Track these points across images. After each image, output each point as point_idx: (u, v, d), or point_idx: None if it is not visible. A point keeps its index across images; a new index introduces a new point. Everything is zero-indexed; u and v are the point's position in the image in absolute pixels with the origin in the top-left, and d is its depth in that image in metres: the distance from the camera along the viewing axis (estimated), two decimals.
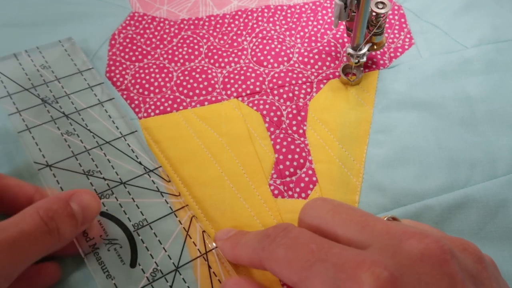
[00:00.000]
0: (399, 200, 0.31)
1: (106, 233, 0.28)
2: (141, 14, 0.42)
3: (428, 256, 0.19)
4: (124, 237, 0.28)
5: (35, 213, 0.24)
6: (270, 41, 0.39)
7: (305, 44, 0.39)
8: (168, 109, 0.36)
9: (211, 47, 0.39)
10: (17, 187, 0.28)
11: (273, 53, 0.39)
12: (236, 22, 0.41)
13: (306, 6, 0.42)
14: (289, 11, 0.42)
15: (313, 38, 0.40)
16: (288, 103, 0.36)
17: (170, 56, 0.39)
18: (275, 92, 0.36)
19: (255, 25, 0.41)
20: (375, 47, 0.36)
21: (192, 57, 0.39)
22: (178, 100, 0.36)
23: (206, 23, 0.41)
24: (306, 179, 0.32)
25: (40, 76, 0.35)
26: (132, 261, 0.28)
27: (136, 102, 0.36)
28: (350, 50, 0.35)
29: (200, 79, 0.37)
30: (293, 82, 0.37)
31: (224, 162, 0.33)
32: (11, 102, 0.34)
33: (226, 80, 0.37)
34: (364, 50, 0.35)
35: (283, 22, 0.41)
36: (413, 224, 0.25)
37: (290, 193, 0.32)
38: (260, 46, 0.39)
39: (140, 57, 0.39)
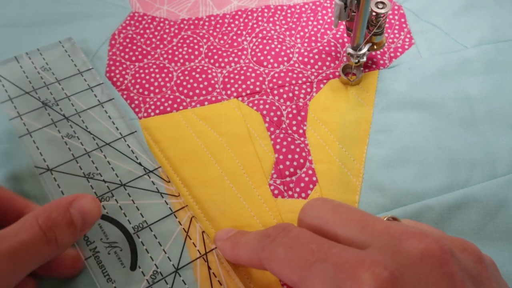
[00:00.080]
0: (399, 200, 0.31)
1: (107, 236, 0.28)
2: (141, 14, 0.42)
3: (428, 256, 0.19)
4: (124, 240, 0.28)
5: (35, 222, 0.24)
6: (270, 41, 0.39)
7: (305, 44, 0.39)
8: (168, 109, 0.36)
9: (211, 47, 0.39)
10: (8, 201, 0.28)
11: (273, 53, 0.39)
12: (236, 22, 0.41)
13: (306, 6, 0.42)
14: (289, 11, 0.42)
15: (313, 38, 0.40)
16: (288, 103, 0.36)
17: (170, 56, 0.39)
18: (275, 92, 0.36)
19: (255, 25, 0.41)
20: (375, 47, 0.36)
21: (192, 57, 0.39)
22: (178, 100, 0.36)
23: (206, 23, 0.41)
24: (306, 179, 0.32)
25: (40, 78, 0.35)
26: (132, 264, 0.28)
27: (136, 102, 0.36)
28: (350, 50, 0.35)
29: (200, 79, 0.37)
30: (293, 82, 0.37)
31: (224, 162, 0.33)
32: (12, 106, 0.34)
33: (226, 80, 0.37)
34: (364, 50, 0.35)
35: (283, 22, 0.41)
36: (413, 224, 0.25)
37: (290, 193, 0.32)
38: (260, 46, 0.39)
39: (140, 57, 0.39)
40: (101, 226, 0.29)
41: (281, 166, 0.33)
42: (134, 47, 0.39)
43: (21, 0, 0.42)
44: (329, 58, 0.38)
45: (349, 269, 0.19)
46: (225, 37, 0.40)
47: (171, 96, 0.36)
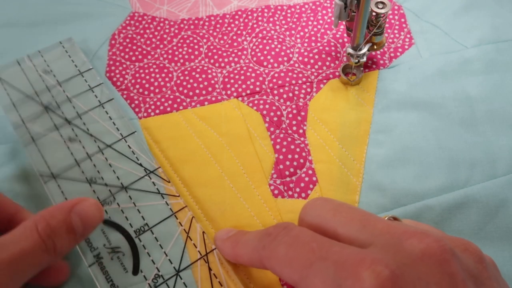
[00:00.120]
0: (399, 200, 0.31)
1: (110, 242, 0.29)
2: (141, 14, 0.42)
3: (429, 256, 0.19)
4: (126, 244, 0.29)
5: (34, 230, 0.23)
6: (270, 41, 0.39)
7: (305, 44, 0.39)
8: (168, 109, 0.36)
9: (211, 47, 0.39)
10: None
11: (273, 53, 0.39)
12: (236, 22, 0.41)
13: (306, 6, 0.42)
14: (289, 11, 0.42)
15: (313, 38, 0.40)
16: (288, 103, 0.36)
17: (170, 56, 0.39)
18: (275, 92, 0.36)
19: (255, 25, 0.41)
20: (375, 47, 0.36)
21: (192, 57, 0.39)
22: (178, 100, 0.36)
23: (206, 23, 0.41)
24: (306, 179, 0.32)
25: (42, 81, 0.36)
26: (134, 269, 0.28)
27: (136, 102, 0.36)
28: (350, 50, 0.35)
29: (200, 79, 0.37)
30: (293, 82, 0.37)
31: (224, 162, 0.33)
32: (15, 111, 0.34)
33: (226, 80, 0.37)
34: (364, 50, 0.35)
35: (283, 22, 0.41)
36: (414, 224, 0.25)
37: (290, 193, 0.32)
38: (260, 46, 0.39)
39: (140, 57, 0.39)
40: (104, 231, 0.29)
41: (281, 166, 0.33)
42: (134, 47, 0.39)
43: (21, 0, 0.42)
44: (329, 58, 0.38)
45: (350, 267, 0.19)
46: (225, 37, 0.40)
47: (171, 96, 0.36)
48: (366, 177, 0.32)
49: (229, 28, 0.41)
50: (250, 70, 0.38)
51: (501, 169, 0.31)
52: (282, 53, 0.39)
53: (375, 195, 0.31)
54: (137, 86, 0.37)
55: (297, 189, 0.32)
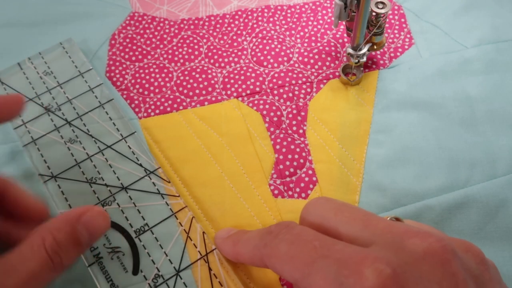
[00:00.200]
0: (399, 200, 0.31)
1: (109, 242, 0.29)
2: (141, 14, 0.42)
3: (431, 255, 0.19)
4: (126, 244, 0.29)
5: (42, 246, 0.23)
6: (270, 41, 0.39)
7: (305, 44, 0.39)
8: (168, 109, 0.36)
9: (211, 47, 0.39)
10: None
11: (273, 53, 0.39)
12: (236, 22, 0.41)
13: (306, 6, 0.42)
14: (289, 11, 0.42)
15: (313, 38, 0.40)
16: (288, 103, 0.36)
17: (170, 56, 0.39)
18: (275, 92, 0.36)
19: (255, 25, 0.41)
20: (375, 47, 0.36)
21: (192, 57, 0.39)
22: (178, 100, 0.36)
23: (206, 23, 0.41)
24: (306, 179, 0.32)
25: (43, 83, 0.36)
26: (134, 269, 0.28)
27: (136, 102, 0.36)
28: (350, 50, 0.35)
29: (200, 79, 0.37)
30: (293, 82, 0.37)
31: (224, 162, 0.33)
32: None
33: (226, 80, 0.37)
34: (364, 50, 0.35)
35: (283, 22, 0.41)
36: (416, 225, 0.24)
37: (290, 193, 0.32)
38: (260, 46, 0.39)
39: (140, 57, 0.39)
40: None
41: (281, 166, 0.33)
42: (134, 47, 0.39)
43: (21, 0, 0.42)
44: (329, 58, 0.38)
45: (352, 265, 0.19)
46: (225, 37, 0.40)
47: (171, 96, 0.36)
48: (366, 177, 0.32)
49: (229, 28, 0.41)
50: (250, 70, 0.38)
51: (501, 169, 0.31)
52: (282, 53, 0.39)
53: (375, 195, 0.31)
54: (137, 86, 0.37)
55: (297, 189, 0.32)
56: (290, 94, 0.36)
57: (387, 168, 0.32)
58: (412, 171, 0.32)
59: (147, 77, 0.38)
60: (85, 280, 0.28)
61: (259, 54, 0.39)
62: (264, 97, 0.36)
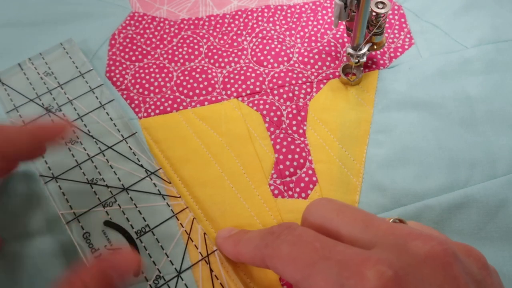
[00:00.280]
0: (399, 200, 0.31)
1: (111, 243, 0.29)
2: (141, 14, 0.42)
3: (432, 258, 0.19)
4: (127, 245, 0.29)
5: None
6: (270, 41, 0.39)
7: (305, 44, 0.39)
8: (168, 109, 0.36)
9: (211, 47, 0.39)
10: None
11: (273, 53, 0.39)
12: (236, 22, 0.41)
13: (306, 6, 0.42)
14: (289, 11, 0.42)
15: (313, 38, 0.40)
16: (288, 103, 0.36)
17: (170, 56, 0.39)
18: (275, 92, 0.36)
19: (255, 25, 0.41)
20: (375, 47, 0.36)
21: (192, 57, 0.39)
22: (178, 100, 0.36)
23: (206, 23, 0.41)
24: (306, 179, 0.32)
25: (43, 84, 0.36)
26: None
27: (136, 102, 0.36)
28: (350, 50, 0.35)
29: (200, 79, 0.37)
30: (293, 82, 0.37)
31: (224, 162, 0.33)
32: (18, 115, 0.34)
33: (226, 80, 0.37)
34: (364, 50, 0.35)
35: (283, 22, 0.41)
36: (419, 227, 0.24)
37: (290, 193, 0.32)
38: (260, 46, 0.39)
39: (140, 57, 0.39)
40: (105, 232, 0.29)
41: (281, 166, 0.33)
42: (134, 47, 0.39)
43: (21, 0, 0.42)
44: (329, 58, 0.38)
45: (353, 267, 0.19)
46: (225, 37, 0.40)
47: (171, 96, 0.36)
48: (366, 177, 0.32)
49: (229, 28, 0.41)
50: (250, 70, 0.38)
51: (501, 169, 0.31)
52: (282, 53, 0.39)
53: (375, 195, 0.31)
54: (137, 86, 0.37)
55: (297, 189, 0.32)
56: (290, 94, 0.36)
57: (387, 168, 0.32)
58: (412, 171, 0.32)
59: (147, 77, 0.38)
60: None
61: (259, 54, 0.39)
62: (264, 97, 0.36)
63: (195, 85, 0.37)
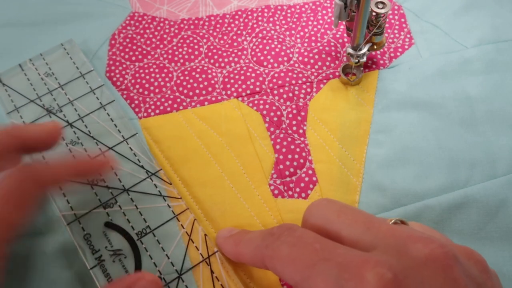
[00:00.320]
0: (399, 200, 0.31)
1: (111, 244, 0.29)
2: (141, 14, 0.42)
3: (433, 261, 0.19)
4: (128, 247, 0.29)
5: None
6: (270, 41, 0.39)
7: (305, 44, 0.39)
8: (168, 109, 0.36)
9: (211, 47, 0.39)
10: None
11: (273, 53, 0.39)
12: (236, 22, 0.41)
13: (306, 6, 0.42)
14: (289, 11, 0.42)
15: (313, 38, 0.40)
16: (288, 103, 0.36)
17: (170, 56, 0.39)
18: (275, 92, 0.36)
19: (255, 25, 0.41)
20: (375, 47, 0.36)
21: (192, 57, 0.39)
22: (178, 100, 0.36)
23: (206, 23, 0.41)
24: (306, 179, 0.32)
25: (44, 84, 0.36)
26: (136, 271, 0.28)
27: (136, 102, 0.36)
28: (350, 50, 0.35)
29: (200, 79, 0.37)
30: (293, 82, 0.37)
31: (224, 162, 0.33)
32: (19, 116, 0.34)
33: (226, 80, 0.37)
34: (364, 50, 0.35)
35: (283, 22, 0.41)
36: (421, 229, 0.24)
37: (290, 193, 0.32)
38: (260, 46, 0.39)
39: (140, 57, 0.39)
40: (106, 234, 0.29)
41: (281, 166, 0.33)
42: (134, 47, 0.39)
43: (21, 0, 0.42)
44: (329, 58, 0.38)
45: (353, 268, 0.19)
46: (225, 37, 0.40)
47: (171, 96, 0.36)
48: (366, 177, 0.32)
49: (229, 28, 0.41)
50: (250, 70, 0.38)
51: (501, 169, 0.32)
52: (282, 53, 0.39)
53: (375, 195, 0.31)
54: (137, 86, 0.37)
55: (297, 189, 0.32)
56: (290, 94, 0.36)
57: (387, 168, 0.32)
58: (412, 171, 0.32)
59: (147, 77, 0.38)
60: (87, 283, 0.28)
61: (259, 54, 0.39)
62: (264, 97, 0.36)
63: (195, 85, 0.37)
